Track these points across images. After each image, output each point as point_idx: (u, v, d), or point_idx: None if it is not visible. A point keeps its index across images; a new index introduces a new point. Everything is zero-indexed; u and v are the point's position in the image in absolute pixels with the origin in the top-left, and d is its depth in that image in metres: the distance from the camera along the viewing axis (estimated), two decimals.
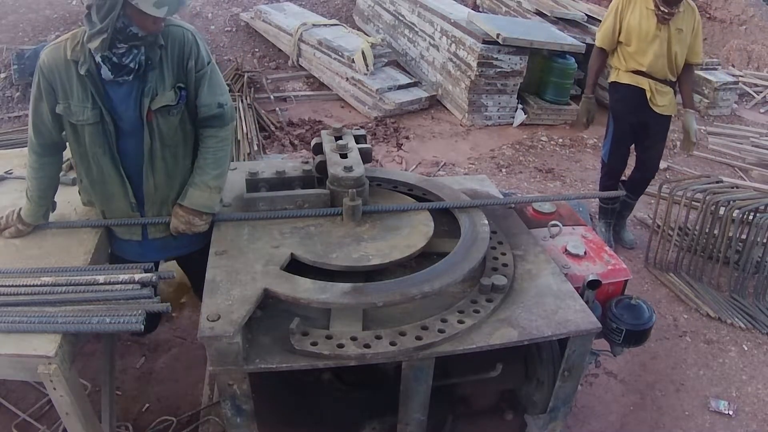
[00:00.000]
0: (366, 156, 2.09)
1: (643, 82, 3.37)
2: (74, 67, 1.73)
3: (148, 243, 2.03)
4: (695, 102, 6.03)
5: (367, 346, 1.47)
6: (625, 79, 3.43)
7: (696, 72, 3.59)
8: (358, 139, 2.19)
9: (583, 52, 5.64)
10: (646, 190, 4.50)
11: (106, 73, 1.73)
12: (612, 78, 3.54)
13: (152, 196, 1.94)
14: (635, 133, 3.58)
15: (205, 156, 1.91)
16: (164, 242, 2.03)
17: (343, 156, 2.01)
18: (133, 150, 1.86)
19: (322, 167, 2.02)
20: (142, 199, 1.94)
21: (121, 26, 1.65)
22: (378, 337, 1.50)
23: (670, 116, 3.50)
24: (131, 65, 1.73)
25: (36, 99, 1.79)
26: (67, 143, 1.90)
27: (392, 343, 1.48)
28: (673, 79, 3.40)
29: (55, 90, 1.76)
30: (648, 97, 3.39)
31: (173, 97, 1.82)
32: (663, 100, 3.41)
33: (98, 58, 1.71)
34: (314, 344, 1.47)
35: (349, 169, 1.91)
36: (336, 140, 2.12)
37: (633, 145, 3.69)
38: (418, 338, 1.50)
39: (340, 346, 1.47)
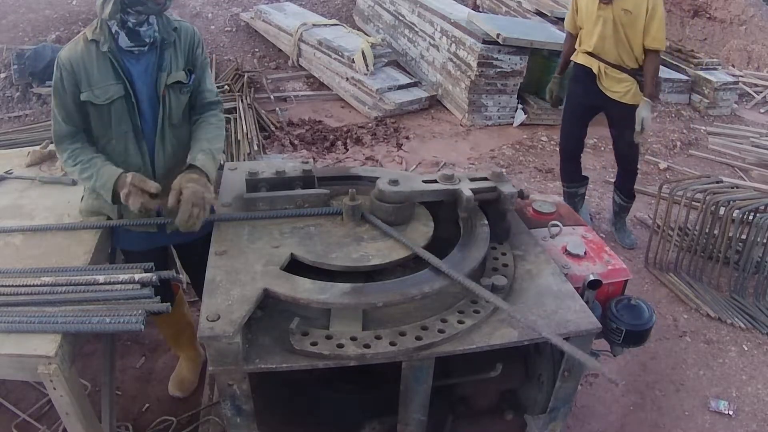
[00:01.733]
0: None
1: (593, 63, 3.41)
2: (95, 48, 1.85)
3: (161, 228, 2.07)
4: (698, 101, 6.08)
5: (366, 346, 1.47)
6: (580, 59, 3.51)
7: (660, 61, 3.45)
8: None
9: None
10: (646, 189, 4.53)
11: (123, 40, 1.85)
12: (572, 57, 3.63)
13: (161, 164, 2.03)
14: (587, 115, 3.67)
15: (208, 130, 2.04)
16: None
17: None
18: (149, 126, 1.97)
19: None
20: (155, 174, 2.02)
21: None
22: (378, 338, 1.50)
23: (632, 106, 3.41)
24: (146, 39, 1.87)
25: (59, 95, 1.88)
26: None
27: (392, 343, 1.48)
28: (633, 66, 3.35)
29: (77, 81, 1.86)
30: (597, 77, 3.41)
31: (185, 75, 1.98)
32: (617, 86, 3.39)
33: (115, 28, 1.84)
34: (314, 344, 1.47)
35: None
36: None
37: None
38: (418, 338, 1.49)
39: (340, 346, 1.47)
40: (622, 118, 3.50)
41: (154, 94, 1.94)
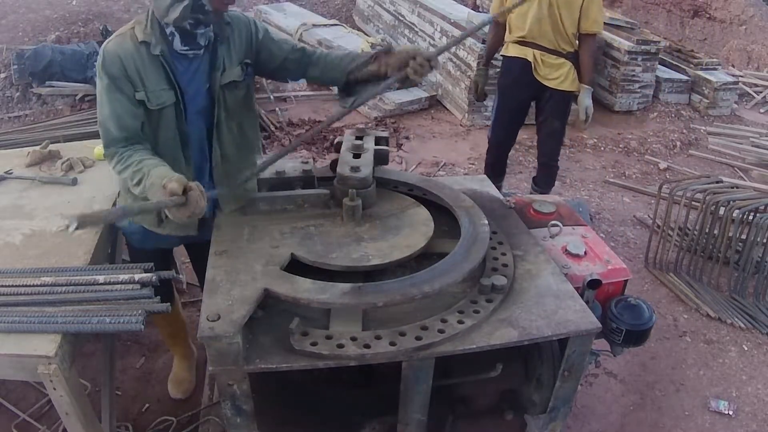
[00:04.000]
0: (381, 158, 2.07)
1: (528, 53, 3.27)
2: (145, 50, 1.75)
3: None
4: (698, 101, 6.08)
5: (366, 346, 1.47)
6: (512, 51, 3.35)
7: (596, 43, 3.38)
8: (380, 140, 2.16)
9: None
10: (646, 189, 4.53)
11: (177, 43, 1.77)
12: (501, 52, 3.47)
13: (220, 167, 1.97)
14: (522, 110, 3.51)
15: (333, 52, 2.03)
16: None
17: (356, 156, 2.00)
18: (196, 130, 1.91)
19: (334, 165, 2.02)
20: (198, 178, 1.93)
21: None
22: (378, 338, 1.50)
23: (569, 93, 3.32)
24: (201, 42, 1.79)
25: (110, 93, 1.75)
26: None
27: (392, 344, 1.48)
28: (569, 50, 3.25)
29: (130, 79, 1.75)
30: (533, 67, 3.26)
31: (240, 73, 1.90)
32: (554, 73, 3.26)
33: (170, 30, 1.75)
34: (314, 344, 1.46)
35: (356, 169, 1.91)
36: (357, 140, 2.11)
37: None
38: (418, 338, 1.49)
39: (340, 346, 1.47)
40: (556, 105, 3.38)
41: (206, 97, 1.87)
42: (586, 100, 3.29)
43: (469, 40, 5.40)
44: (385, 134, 2.21)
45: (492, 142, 3.75)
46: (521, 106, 3.52)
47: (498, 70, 3.66)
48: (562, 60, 3.26)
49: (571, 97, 3.34)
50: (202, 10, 1.70)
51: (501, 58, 3.50)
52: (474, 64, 5.31)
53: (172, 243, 2.20)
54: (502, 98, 3.54)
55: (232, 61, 1.88)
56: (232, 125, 1.96)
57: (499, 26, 3.45)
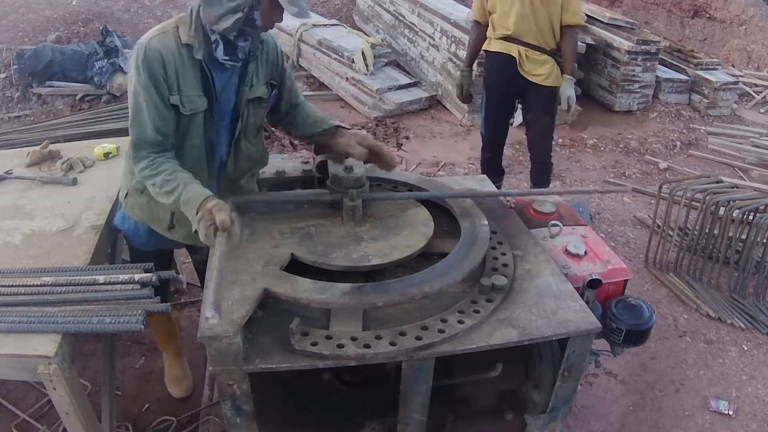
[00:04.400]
0: None
1: (512, 49, 3.29)
2: (187, 53, 1.73)
3: None
4: (698, 101, 6.08)
5: (367, 346, 1.47)
6: (495, 46, 3.37)
7: (578, 36, 3.39)
8: None
9: (583, 52, 5.65)
10: (646, 189, 4.53)
11: (220, 52, 1.76)
12: (484, 47, 3.48)
13: (231, 174, 2.00)
14: (510, 104, 3.56)
15: (309, 109, 2.09)
16: None
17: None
18: (221, 141, 1.92)
19: (322, 167, 2.02)
20: (219, 187, 1.98)
21: (251, 6, 1.69)
22: (378, 337, 1.50)
23: (553, 88, 3.35)
24: (240, 54, 1.80)
25: (149, 92, 1.70)
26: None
27: (392, 343, 1.48)
28: (552, 46, 3.29)
29: (167, 80, 1.72)
30: (518, 63, 3.29)
31: (266, 91, 1.94)
32: (539, 69, 3.30)
33: (215, 37, 1.73)
34: (314, 344, 1.46)
35: (349, 169, 1.91)
36: None
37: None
38: (418, 338, 1.49)
39: (340, 346, 1.47)
40: (542, 102, 3.40)
41: (232, 109, 1.89)
42: (568, 90, 3.31)
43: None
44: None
45: (485, 139, 3.78)
46: (509, 101, 3.55)
47: (481, 70, 3.66)
48: (545, 56, 3.30)
49: (556, 92, 3.36)
50: (253, 24, 1.72)
51: (484, 53, 3.52)
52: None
53: (176, 245, 2.20)
54: (489, 95, 3.58)
55: (259, 78, 1.90)
56: (249, 138, 1.98)
57: (481, 27, 3.47)
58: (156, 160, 1.74)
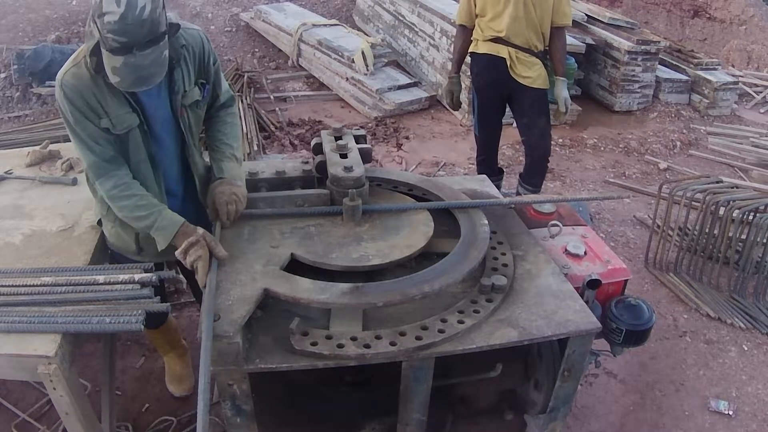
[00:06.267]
0: (366, 156, 2.09)
1: (502, 50, 3.26)
2: (102, 79, 1.68)
3: None
4: (698, 101, 6.08)
5: (367, 346, 1.47)
6: (483, 48, 3.33)
7: (564, 36, 3.34)
8: (358, 139, 2.19)
9: (583, 52, 5.64)
10: (646, 189, 4.53)
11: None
12: (470, 49, 3.44)
13: (202, 176, 2.01)
14: (502, 105, 3.54)
15: (226, 131, 2.02)
16: None
17: (343, 156, 2.01)
18: (164, 152, 1.91)
19: (321, 167, 2.03)
20: (171, 204, 1.93)
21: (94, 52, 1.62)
22: (378, 337, 1.50)
23: (544, 90, 3.34)
24: None
25: (81, 123, 1.70)
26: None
27: (392, 343, 1.48)
28: (540, 48, 3.29)
29: (92, 108, 1.70)
30: (508, 65, 3.28)
31: (199, 92, 1.91)
32: (528, 71, 3.28)
33: None
34: (314, 344, 1.47)
35: (349, 169, 1.91)
36: (336, 140, 2.12)
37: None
38: (418, 338, 1.50)
39: (340, 346, 1.47)
40: (533, 104, 3.39)
41: (170, 118, 1.86)
42: (563, 92, 3.31)
43: None
44: (362, 132, 2.23)
45: (480, 141, 3.77)
46: (500, 102, 3.53)
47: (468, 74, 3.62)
48: (534, 59, 3.30)
49: (545, 93, 3.37)
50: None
51: (471, 56, 3.48)
52: None
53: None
54: (480, 97, 3.55)
55: (190, 81, 1.86)
56: (196, 143, 1.97)
57: (467, 31, 3.44)
58: (123, 180, 1.77)
